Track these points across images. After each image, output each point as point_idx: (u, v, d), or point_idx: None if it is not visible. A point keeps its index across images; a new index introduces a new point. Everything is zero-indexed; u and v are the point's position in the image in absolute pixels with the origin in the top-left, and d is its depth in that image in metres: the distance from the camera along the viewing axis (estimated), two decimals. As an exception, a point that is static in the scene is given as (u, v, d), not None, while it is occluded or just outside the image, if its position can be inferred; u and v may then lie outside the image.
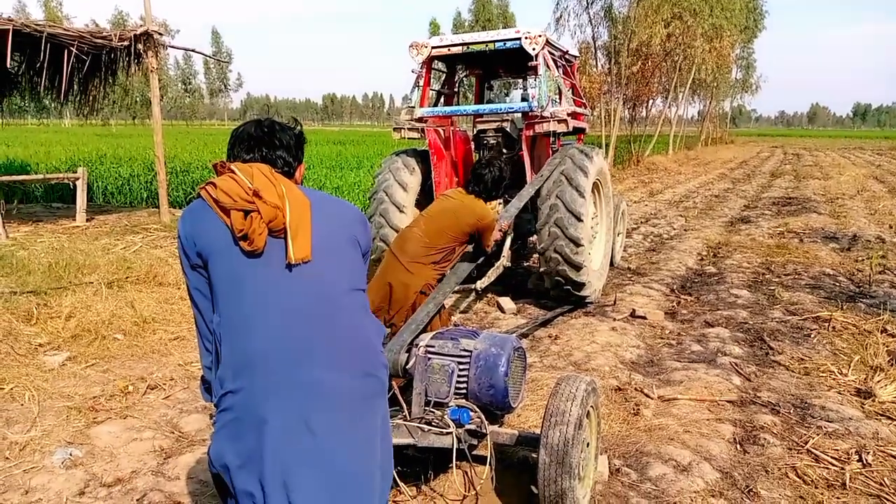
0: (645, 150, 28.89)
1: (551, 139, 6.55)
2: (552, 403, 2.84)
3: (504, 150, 6.93)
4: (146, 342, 5.29)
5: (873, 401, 4.23)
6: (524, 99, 6.87)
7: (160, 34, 10.60)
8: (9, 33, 8.53)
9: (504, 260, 6.07)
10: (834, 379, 4.65)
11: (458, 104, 7.81)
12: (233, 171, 1.85)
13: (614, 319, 6.11)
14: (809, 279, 7.56)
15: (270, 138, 1.98)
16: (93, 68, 10.48)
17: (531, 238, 6.92)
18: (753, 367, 4.93)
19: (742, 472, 3.42)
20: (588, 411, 2.98)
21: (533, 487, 2.97)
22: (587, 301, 6.40)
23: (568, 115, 6.23)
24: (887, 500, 3.16)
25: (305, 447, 1.76)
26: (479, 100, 8.10)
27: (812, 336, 5.57)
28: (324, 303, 1.86)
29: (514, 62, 6.97)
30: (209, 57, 13.99)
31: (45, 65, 9.35)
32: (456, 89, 7.71)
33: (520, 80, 8.10)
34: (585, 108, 7.66)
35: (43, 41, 8.94)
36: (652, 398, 4.35)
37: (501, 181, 4.48)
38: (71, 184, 11.61)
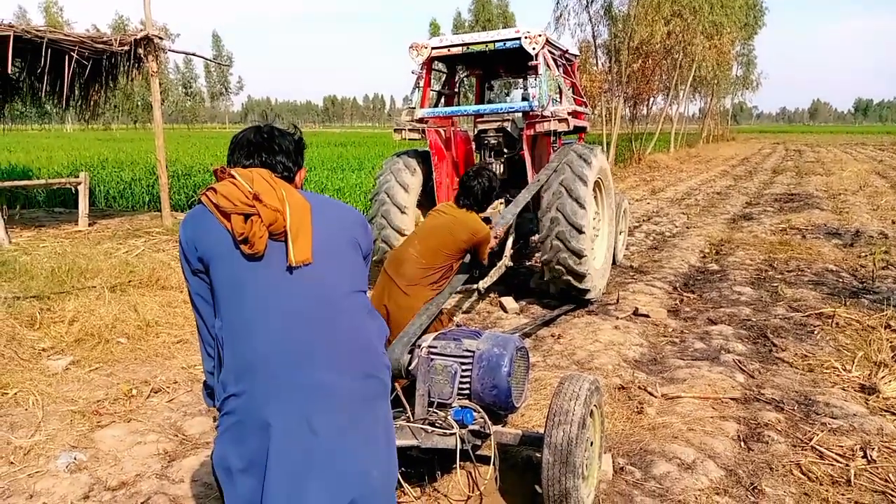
0: (646, 148, 28.85)
1: (552, 138, 6.54)
2: (555, 403, 2.84)
3: (505, 150, 6.94)
4: (149, 346, 5.30)
5: (877, 397, 4.22)
6: (525, 98, 6.87)
7: (160, 38, 10.62)
8: (9, 39, 8.55)
9: (506, 260, 6.07)
10: (838, 375, 4.64)
11: (458, 104, 7.82)
12: (233, 177, 1.86)
13: (617, 318, 6.10)
14: (812, 275, 7.54)
15: (270, 144, 1.98)
16: (94, 73, 10.49)
17: (533, 237, 6.92)
18: (757, 364, 4.93)
19: (746, 470, 3.42)
20: (591, 410, 2.98)
21: (537, 487, 2.97)
22: (589, 300, 6.40)
23: (568, 114, 6.23)
24: (893, 496, 3.15)
25: (308, 449, 1.76)
26: (480, 100, 8.10)
27: (815, 332, 5.56)
28: (325, 305, 1.86)
29: (515, 62, 6.98)
30: (209, 60, 13.99)
31: (46, 70, 9.37)
32: (456, 90, 7.71)
33: (520, 80, 8.10)
34: (586, 106, 7.66)
35: (44, 47, 8.96)
36: (655, 396, 4.34)
37: (492, 191, 4.23)
38: (73, 188, 11.64)
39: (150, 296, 6.28)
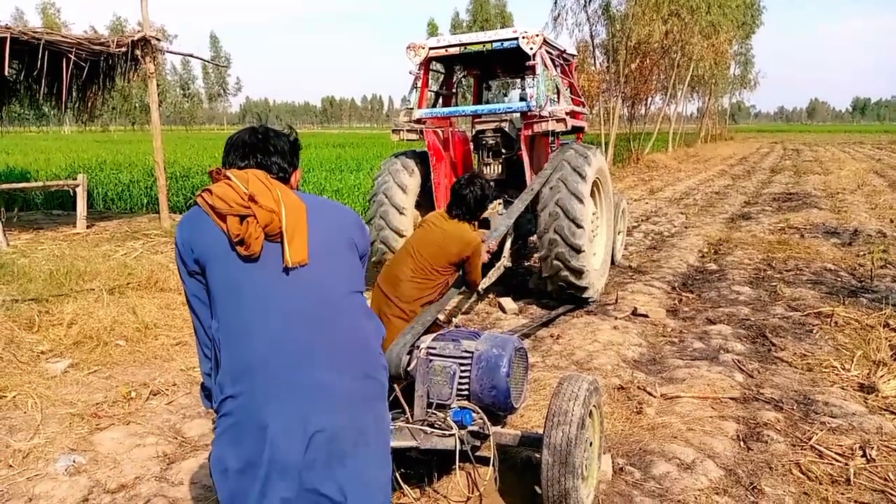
0: (644, 147, 28.87)
1: (550, 138, 6.54)
2: (554, 403, 2.84)
3: (503, 150, 6.94)
4: (148, 348, 5.29)
5: (876, 396, 4.23)
6: (522, 99, 6.87)
7: (158, 39, 10.61)
8: (6, 41, 8.54)
9: (505, 260, 6.08)
10: (837, 374, 4.65)
11: (456, 105, 7.81)
12: (228, 178, 1.85)
13: (616, 318, 6.11)
14: (811, 275, 7.55)
15: (265, 145, 1.98)
16: (91, 75, 10.49)
17: (532, 238, 6.92)
18: (756, 363, 4.93)
19: (746, 470, 3.42)
20: (591, 411, 2.98)
21: (536, 488, 2.96)
22: (589, 300, 6.40)
23: (566, 114, 6.23)
24: (892, 495, 3.15)
25: (306, 449, 1.76)
26: (478, 100, 8.10)
27: (814, 332, 5.56)
28: (322, 306, 1.86)
29: (512, 62, 6.97)
30: (207, 61, 13.99)
31: (44, 72, 9.36)
32: (454, 90, 7.71)
33: (518, 80, 8.10)
34: (584, 106, 7.66)
35: (41, 48, 8.96)
36: (655, 396, 4.34)
37: (485, 199, 3.98)
38: (71, 191, 11.64)
39: (148, 298, 6.27)
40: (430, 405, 3.05)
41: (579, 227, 5.85)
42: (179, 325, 5.75)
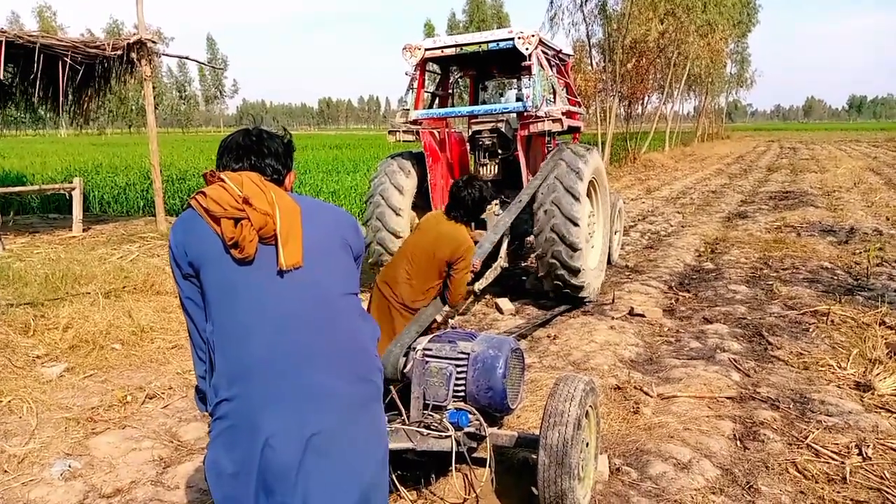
0: (641, 147, 28.91)
1: (546, 138, 6.54)
2: (550, 404, 2.83)
3: (500, 151, 6.94)
4: (144, 351, 5.28)
5: (872, 394, 4.23)
6: (519, 99, 6.87)
7: (154, 42, 10.61)
8: (2, 45, 8.53)
9: (501, 261, 6.08)
10: (833, 373, 4.65)
11: (452, 106, 7.81)
12: (222, 180, 1.85)
13: (613, 318, 6.11)
14: (807, 273, 7.56)
15: (259, 147, 1.97)
16: (86, 78, 10.48)
17: (529, 238, 6.92)
18: (752, 362, 4.93)
19: (742, 469, 3.42)
20: (587, 411, 2.97)
21: (533, 489, 2.96)
22: (585, 300, 6.39)
23: (562, 114, 6.23)
24: (888, 493, 3.15)
25: (302, 452, 1.75)
26: (474, 101, 8.10)
27: (811, 330, 5.56)
28: (318, 308, 1.86)
29: (508, 62, 6.98)
30: (203, 64, 13.99)
31: (39, 75, 9.34)
32: (450, 91, 7.70)
33: (514, 80, 8.10)
34: (580, 106, 7.66)
35: (36, 52, 8.94)
36: (651, 396, 4.34)
37: (483, 202, 3.98)
38: (67, 194, 11.62)
39: (144, 301, 6.26)
40: (426, 407, 3.04)
41: (576, 224, 5.84)
42: (175, 328, 5.73)
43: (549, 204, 5.91)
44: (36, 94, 10.43)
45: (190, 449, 3.77)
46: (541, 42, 6.26)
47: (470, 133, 7.17)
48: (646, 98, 30.74)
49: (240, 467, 1.76)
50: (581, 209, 5.90)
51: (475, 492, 3.18)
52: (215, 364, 1.82)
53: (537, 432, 2.85)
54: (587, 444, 3.02)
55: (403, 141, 6.68)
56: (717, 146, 45.07)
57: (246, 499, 1.74)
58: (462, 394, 3.06)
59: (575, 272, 5.97)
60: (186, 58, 12.30)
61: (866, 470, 3.36)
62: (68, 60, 9.38)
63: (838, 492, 3.19)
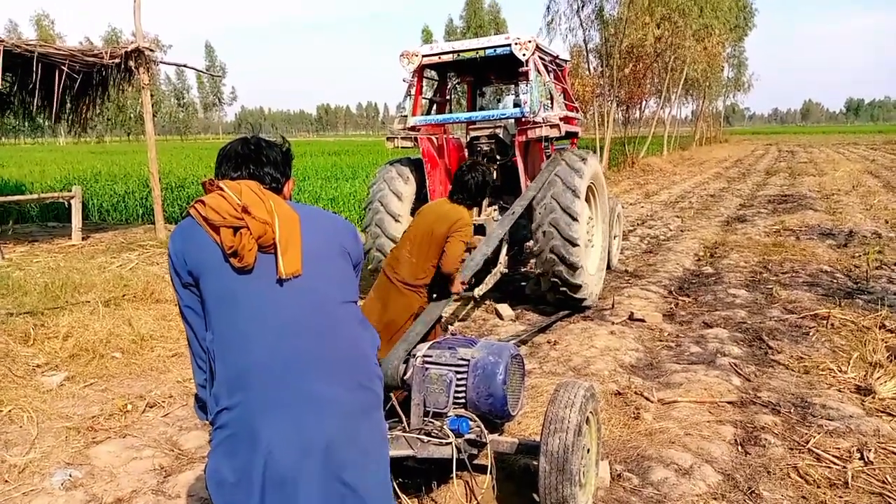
0: (639, 151, 28.96)
1: (544, 144, 6.55)
2: (551, 410, 2.83)
3: (498, 157, 6.94)
4: (144, 360, 5.27)
5: (873, 398, 4.22)
6: (516, 105, 6.88)
7: (151, 50, 10.63)
8: None
9: (501, 266, 6.08)
10: (833, 377, 4.65)
11: (450, 112, 7.83)
12: (221, 189, 1.86)
13: (613, 323, 6.10)
14: (807, 277, 7.56)
15: (257, 155, 1.98)
16: (84, 86, 10.49)
17: (528, 243, 6.92)
18: (753, 367, 4.93)
19: (744, 474, 3.41)
20: (587, 417, 2.97)
21: (534, 495, 2.95)
22: (585, 305, 6.39)
23: (560, 119, 6.24)
24: (890, 497, 3.15)
25: (302, 460, 1.75)
26: (472, 107, 8.11)
27: (811, 334, 5.56)
28: (317, 316, 1.86)
29: (505, 68, 6.99)
30: (201, 72, 14.00)
31: (37, 84, 9.36)
32: (448, 97, 7.72)
33: (512, 86, 8.11)
34: (577, 111, 7.68)
35: (34, 61, 8.96)
36: (652, 401, 4.34)
37: (486, 185, 4.23)
38: (66, 202, 11.62)
39: (144, 309, 6.26)
40: (426, 414, 3.04)
41: (574, 219, 5.83)
42: (175, 336, 5.73)
43: (549, 199, 5.92)
44: (34, 103, 10.44)
45: (190, 458, 3.76)
46: (538, 48, 6.28)
47: (468, 139, 7.18)
48: (643, 102, 30.84)
49: (241, 476, 1.75)
50: (580, 229, 5.88)
51: (476, 499, 3.18)
52: (215, 373, 1.82)
53: (538, 439, 2.84)
54: (588, 451, 3.01)
55: (402, 147, 6.70)
56: (716, 150, 45.15)
57: (248, 507, 1.74)
58: (462, 400, 3.06)
59: (573, 268, 5.91)
60: (184, 66, 12.32)
61: (868, 474, 3.35)
62: (66, 69, 9.39)
63: (840, 496, 3.18)
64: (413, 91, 6.70)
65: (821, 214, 12.42)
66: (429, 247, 4.05)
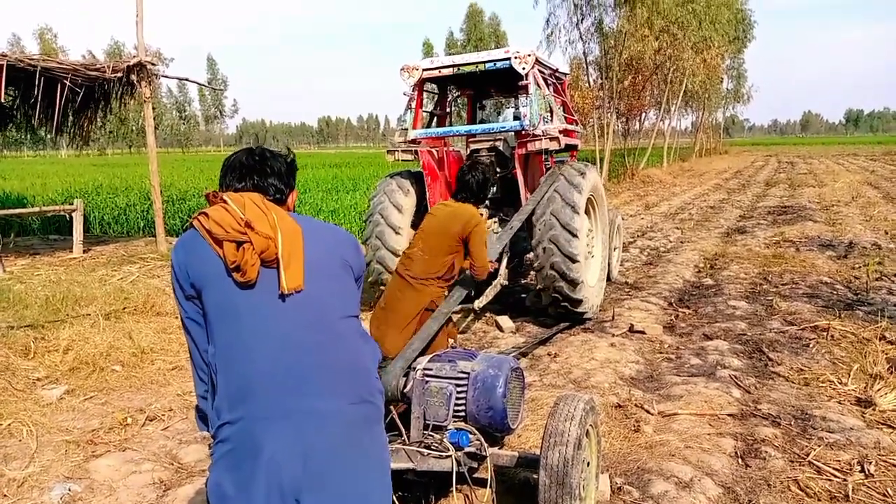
0: (639, 163, 29.02)
1: (544, 157, 6.58)
2: (551, 424, 2.83)
3: (498, 169, 6.97)
4: (144, 373, 5.27)
5: (874, 410, 4.22)
6: (516, 118, 6.91)
7: (153, 64, 10.68)
8: (3, 68, 8.59)
9: (501, 278, 6.08)
10: (834, 389, 4.64)
11: (450, 124, 7.87)
12: (224, 201, 1.86)
13: (613, 335, 6.10)
14: (807, 288, 7.56)
15: (262, 166, 1.99)
16: (86, 100, 10.54)
17: (528, 255, 6.94)
18: (753, 379, 4.92)
19: (744, 487, 3.41)
20: (587, 430, 2.97)
21: (534, 509, 2.95)
22: (585, 317, 6.39)
23: (559, 132, 6.27)
24: (891, 510, 3.14)
25: (303, 475, 1.75)
26: (472, 120, 8.15)
27: (811, 346, 5.56)
28: (319, 330, 1.87)
29: (505, 82, 7.03)
30: (202, 85, 14.06)
31: (40, 98, 9.41)
32: (448, 110, 7.76)
33: (511, 99, 8.16)
34: (577, 124, 7.71)
35: (37, 75, 9.01)
36: (652, 414, 4.33)
37: (486, 182, 4.50)
38: (67, 215, 11.63)
39: (144, 322, 6.26)
40: (426, 427, 3.03)
41: (574, 235, 5.85)
42: (176, 349, 5.73)
43: (548, 215, 5.94)
44: (36, 117, 10.48)
45: (190, 471, 3.76)
46: (537, 61, 6.32)
47: (468, 152, 7.21)
48: (643, 114, 30.96)
49: (243, 489, 1.75)
50: (579, 221, 5.92)
51: (476, 512, 3.17)
52: (217, 386, 1.83)
53: (538, 452, 2.84)
54: (588, 464, 3.01)
55: (402, 160, 6.72)
56: (715, 161, 45.23)
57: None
58: (462, 413, 3.06)
59: (574, 284, 5.95)
60: (186, 79, 12.38)
61: (869, 487, 3.35)
62: (68, 83, 9.44)
63: (841, 509, 3.18)
64: (413, 104, 6.74)
65: (821, 225, 12.43)
66: (440, 244, 4.22)
